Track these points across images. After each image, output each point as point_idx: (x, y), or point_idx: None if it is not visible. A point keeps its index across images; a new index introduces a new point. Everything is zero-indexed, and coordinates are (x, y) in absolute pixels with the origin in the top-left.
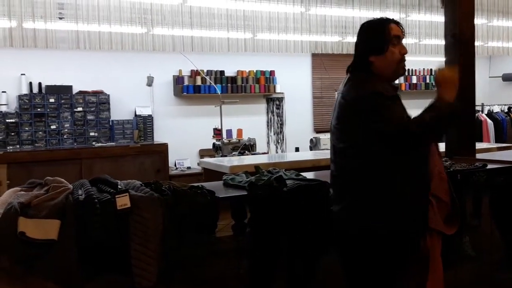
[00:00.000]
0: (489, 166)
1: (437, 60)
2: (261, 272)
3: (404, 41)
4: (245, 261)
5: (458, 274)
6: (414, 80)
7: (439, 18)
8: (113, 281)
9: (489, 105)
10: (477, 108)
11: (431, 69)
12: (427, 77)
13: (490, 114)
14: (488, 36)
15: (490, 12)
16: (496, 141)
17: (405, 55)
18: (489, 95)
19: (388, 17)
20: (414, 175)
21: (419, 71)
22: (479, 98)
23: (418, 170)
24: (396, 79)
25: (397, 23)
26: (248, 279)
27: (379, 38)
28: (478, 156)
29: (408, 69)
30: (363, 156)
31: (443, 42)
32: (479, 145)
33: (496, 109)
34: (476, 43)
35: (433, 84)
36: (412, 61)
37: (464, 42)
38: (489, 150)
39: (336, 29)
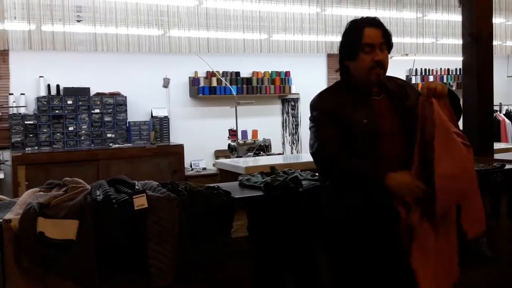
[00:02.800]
0: (507, 166)
1: (455, 60)
2: (273, 273)
3: (421, 41)
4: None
5: (474, 276)
6: (431, 79)
7: (457, 17)
8: (130, 281)
9: (507, 105)
10: (495, 108)
11: (448, 69)
12: (444, 76)
13: (508, 114)
14: (507, 35)
15: (508, 11)
16: None
17: (381, 61)
18: (507, 95)
19: (371, 16)
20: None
21: (436, 71)
22: (497, 98)
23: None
24: (372, 86)
25: (376, 25)
26: (260, 280)
27: (351, 43)
28: (496, 156)
29: (425, 69)
30: None
31: (460, 42)
32: (497, 145)
33: None
34: (494, 42)
35: (450, 84)
36: (429, 61)
37: (482, 41)
38: (508, 150)
39: None
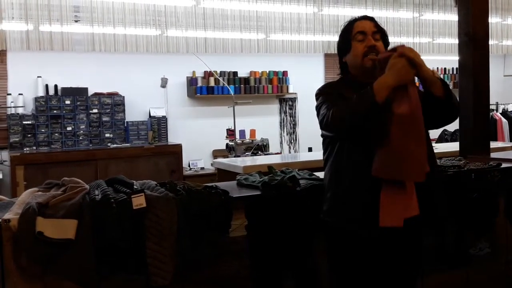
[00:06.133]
0: (504, 165)
1: (451, 59)
2: (272, 272)
3: (417, 40)
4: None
5: (472, 273)
6: None
7: (453, 17)
8: (129, 280)
9: (503, 104)
10: (492, 107)
11: (445, 68)
12: (441, 76)
13: (504, 113)
14: (503, 35)
15: (504, 11)
16: (511, 140)
17: (374, 46)
18: (503, 94)
19: (365, 15)
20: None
21: (433, 70)
22: (494, 97)
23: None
24: (368, 76)
25: (368, 18)
26: (258, 279)
27: (344, 37)
28: (493, 155)
29: None
30: (324, 149)
31: (457, 41)
32: (493, 144)
33: (511, 108)
34: (491, 42)
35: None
36: (426, 60)
37: (478, 41)
38: (504, 149)
39: None
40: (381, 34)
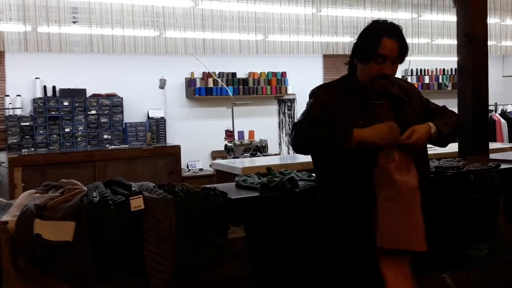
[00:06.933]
0: (503, 166)
1: (450, 60)
2: (270, 273)
3: (416, 41)
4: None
5: (471, 275)
6: (427, 80)
7: (452, 17)
8: (127, 282)
9: (502, 105)
10: (491, 107)
11: (443, 69)
12: (440, 77)
13: (503, 114)
14: (502, 36)
15: (503, 11)
16: (510, 141)
17: (388, 75)
18: (502, 95)
19: (394, 24)
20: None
21: (432, 71)
22: (493, 98)
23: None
24: (373, 93)
25: (396, 37)
26: (257, 281)
27: (366, 48)
28: (492, 156)
29: (421, 69)
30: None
31: (455, 42)
32: (492, 145)
33: (510, 108)
34: (489, 43)
35: (446, 84)
36: (424, 61)
37: (477, 41)
38: (503, 150)
39: (347, 30)
40: (401, 55)
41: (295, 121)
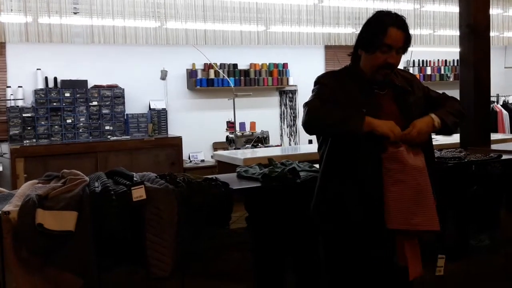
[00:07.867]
0: (504, 157)
1: (452, 51)
2: (272, 263)
3: (418, 32)
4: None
5: (473, 265)
6: (429, 71)
7: (454, 8)
8: (128, 272)
9: (504, 96)
10: (492, 98)
11: (445, 60)
12: (442, 68)
13: (505, 105)
14: (504, 26)
15: (505, 2)
16: (511, 132)
17: (393, 64)
18: (504, 86)
19: (398, 14)
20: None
21: (434, 62)
22: (494, 89)
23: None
24: (376, 82)
25: (401, 27)
26: (259, 271)
27: (372, 38)
28: (493, 146)
29: (423, 60)
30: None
31: (457, 33)
32: (494, 136)
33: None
34: (492, 34)
35: (448, 75)
36: (426, 52)
37: (479, 32)
38: (504, 140)
39: (349, 21)
40: (405, 45)
41: (304, 102)
